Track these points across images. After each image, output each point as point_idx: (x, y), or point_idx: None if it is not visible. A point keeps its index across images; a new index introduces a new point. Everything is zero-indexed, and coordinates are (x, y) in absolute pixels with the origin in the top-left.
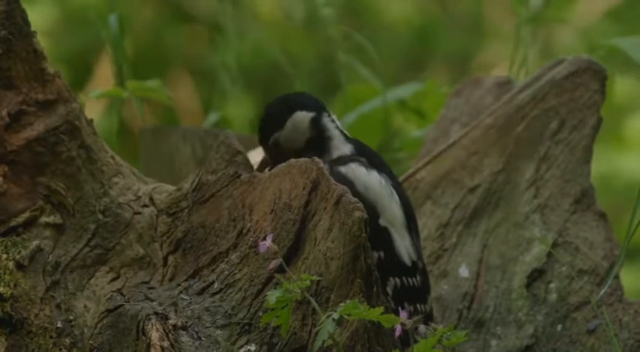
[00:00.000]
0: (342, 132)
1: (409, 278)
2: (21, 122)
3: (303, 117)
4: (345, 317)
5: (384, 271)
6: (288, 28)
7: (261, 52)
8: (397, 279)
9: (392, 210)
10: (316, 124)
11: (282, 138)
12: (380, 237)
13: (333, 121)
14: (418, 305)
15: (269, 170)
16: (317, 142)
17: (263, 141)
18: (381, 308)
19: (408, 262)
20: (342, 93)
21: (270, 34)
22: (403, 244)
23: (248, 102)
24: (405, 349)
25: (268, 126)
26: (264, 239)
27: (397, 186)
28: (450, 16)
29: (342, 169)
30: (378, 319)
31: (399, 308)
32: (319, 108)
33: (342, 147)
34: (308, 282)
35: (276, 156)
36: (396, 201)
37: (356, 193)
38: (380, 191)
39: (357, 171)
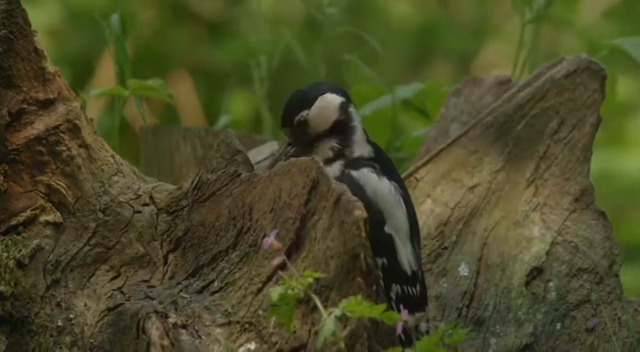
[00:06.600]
0: (364, 130)
1: (409, 287)
2: (21, 121)
3: (333, 98)
4: (348, 314)
5: (387, 278)
6: (293, 28)
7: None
8: (398, 286)
9: (398, 218)
10: (344, 109)
11: (311, 117)
12: (384, 243)
13: (358, 114)
14: (417, 315)
15: (290, 150)
16: (341, 130)
17: (287, 122)
18: (384, 305)
19: (409, 271)
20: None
21: (276, 34)
22: (405, 253)
23: (254, 102)
24: (405, 349)
25: (295, 105)
26: (268, 235)
27: (405, 195)
28: (453, 15)
29: (354, 173)
30: (380, 317)
31: (401, 306)
32: (348, 98)
33: (363, 146)
34: (311, 279)
35: (299, 136)
36: (403, 210)
37: (365, 198)
38: (388, 198)
39: (369, 177)
